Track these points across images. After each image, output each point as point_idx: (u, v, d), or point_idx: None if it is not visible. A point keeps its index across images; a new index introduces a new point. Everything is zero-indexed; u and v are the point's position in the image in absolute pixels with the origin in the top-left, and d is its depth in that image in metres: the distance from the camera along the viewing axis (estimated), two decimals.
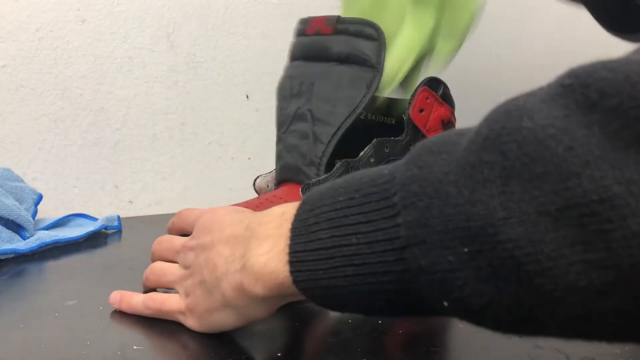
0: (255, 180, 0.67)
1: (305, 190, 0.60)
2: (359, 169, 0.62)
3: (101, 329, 0.44)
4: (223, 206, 0.47)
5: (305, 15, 0.66)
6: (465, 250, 0.28)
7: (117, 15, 0.82)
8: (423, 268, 0.29)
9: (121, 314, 0.47)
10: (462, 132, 0.31)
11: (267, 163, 0.75)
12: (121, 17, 0.82)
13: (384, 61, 0.59)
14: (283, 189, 0.63)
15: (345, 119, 0.60)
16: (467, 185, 0.28)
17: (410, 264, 0.30)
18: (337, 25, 0.60)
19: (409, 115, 0.64)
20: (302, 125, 0.62)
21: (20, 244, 0.63)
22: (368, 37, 0.59)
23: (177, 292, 0.44)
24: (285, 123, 0.64)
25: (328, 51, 0.61)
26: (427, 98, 0.65)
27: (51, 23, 0.79)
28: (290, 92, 0.64)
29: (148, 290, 0.48)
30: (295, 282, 0.35)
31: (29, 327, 0.45)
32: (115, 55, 0.82)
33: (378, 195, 0.32)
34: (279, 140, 0.65)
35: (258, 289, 0.37)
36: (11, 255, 0.61)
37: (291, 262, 0.35)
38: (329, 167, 0.61)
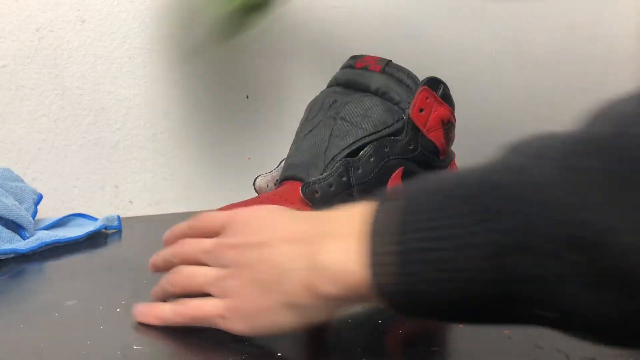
0: (255, 180, 0.67)
1: (305, 189, 0.60)
2: (359, 169, 0.62)
3: (101, 329, 0.44)
4: (260, 205, 0.44)
5: (305, 14, 0.66)
6: (574, 258, 0.27)
7: (117, 15, 0.82)
8: (524, 276, 0.28)
9: (121, 314, 0.46)
10: (554, 136, 0.30)
11: (267, 163, 0.75)
12: (121, 17, 0.82)
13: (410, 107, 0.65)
14: (284, 188, 0.63)
15: (365, 137, 0.63)
16: (573, 191, 0.27)
17: (509, 271, 0.28)
18: (385, 67, 0.67)
19: (408, 115, 0.64)
20: (323, 132, 0.64)
21: (20, 244, 0.63)
22: (406, 85, 0.66)
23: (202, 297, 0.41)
24: (306, 129, 0.67)
25: (369, 84, 0.67)
26: (427, 98, 0.65)
27: (51, 23, 0.79)
28: (320, 107, 0.67)
29: (160, 298, 0.45)
30: (373, 285, 0.33)
31: (29, 327, 0.45)
32: (115, 55, 0.82)
33: (468, 198, 0.30)
34: (295, 142, 0.66)
35: (329, 289, 0.35)
36: (11, 255, 0.61)
37: (371, 265, 0.33)
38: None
